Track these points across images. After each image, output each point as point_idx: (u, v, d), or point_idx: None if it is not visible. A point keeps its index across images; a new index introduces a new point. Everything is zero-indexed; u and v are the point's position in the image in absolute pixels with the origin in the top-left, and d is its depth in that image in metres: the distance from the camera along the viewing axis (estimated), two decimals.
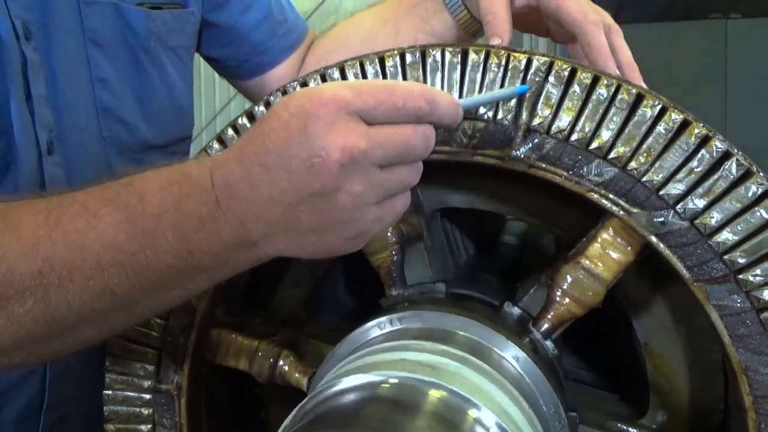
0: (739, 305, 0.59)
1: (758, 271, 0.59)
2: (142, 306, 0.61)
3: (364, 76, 0.68)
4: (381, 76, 0.67)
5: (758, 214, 0.58)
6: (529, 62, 0.64)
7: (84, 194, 0.60)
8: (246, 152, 0.56)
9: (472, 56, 0.65)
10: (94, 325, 0.61)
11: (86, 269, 0.57)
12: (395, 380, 0.55)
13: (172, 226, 0.57)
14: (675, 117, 0.60)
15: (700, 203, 0.60)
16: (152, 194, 0.58)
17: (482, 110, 0.65)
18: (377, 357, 0.61)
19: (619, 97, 0.62)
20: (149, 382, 0.75)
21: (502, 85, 0.64)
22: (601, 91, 0.62)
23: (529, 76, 0.64)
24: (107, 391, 0.75)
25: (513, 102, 0.64)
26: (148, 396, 0.75)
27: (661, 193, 0.61)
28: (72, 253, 0.57)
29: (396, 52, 0.67)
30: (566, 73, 0.63)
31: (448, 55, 0.66)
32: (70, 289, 0.57)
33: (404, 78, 0.67)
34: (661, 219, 0.61)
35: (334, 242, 0.58)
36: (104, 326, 0.62)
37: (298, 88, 0.69)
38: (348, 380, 0.56)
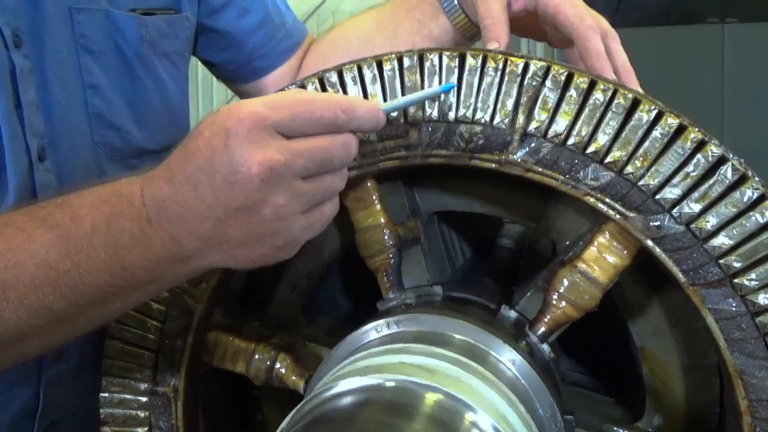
0: (734, 309, 0.60)
1: (753, 276, 0.59)
2: (81, 320, 0.63)
3: (362, 80, 0.68)
4: (379, 80, 0.68)
5: (753, 218, 0.59)
6: (526, 66, 0.64)
7: (19, 214, 0.62)
8: (173, 170, 0.58)
9: (470, 60, 0.65)
10: (32, 341, 0.63)
11: (20, 288, 0.59)
12: (392, 383, 0.55)
13: (104, 244, 0.59)
14: (671, 122, 0.61)
15: (696, 207, 0.60)
16: (85, 213, 0.60)
17: (479, 114, 0.65)
18: (374, 360, 0.61)
19: (615, 101, 0.62)
20: (146, 385, 0.75)
21: (499, 88, 0.65)
22: (598, 96, 0.62)
23: (525, 80, 0.64)
24: (103, 394, 0.75)
25: (510, 106, 0.64)
26: (144, 398, 0.75)
27: (657, 197, 0.61)
28: (5, 272, 0.59)
29: (394, 55, 0.67)
30: (563, 78, 0.63)
31: (445, 59, 0.66)
32: (5, 308, 0.59)
33: (402, 82, 0.67)
34: (657, 223, 0.61)
35: (264, 252, 0.60)
36: (43, 341, 0.64)
37: None
38: (345, 383, 0.56)
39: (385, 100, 0.68)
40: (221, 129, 0.57)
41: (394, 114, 0.67)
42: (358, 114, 0.60)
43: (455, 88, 0.65)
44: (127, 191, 0.60)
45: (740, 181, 0.59)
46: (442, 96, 0.66)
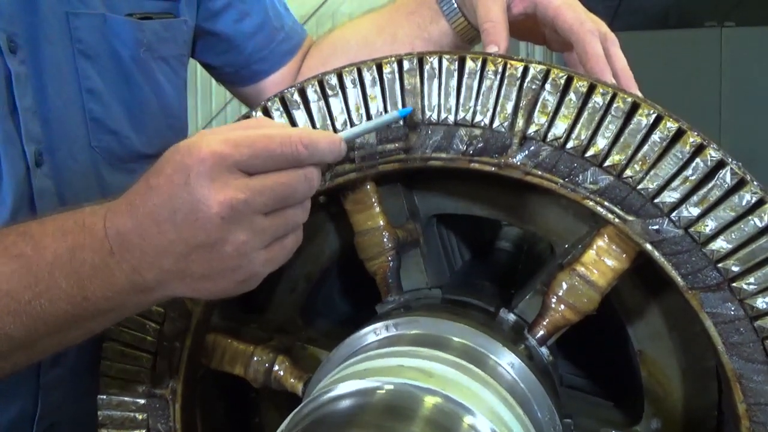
0: (732, 313, 0.60)
1: (752, 280, 0.59)
2: (41, 346, 0.64)
3: (362, 83, 0.68)
4: (378, 83, 0.68)
5: (752, 222, 0.59)
6: (525, 70, 0.64)
7: None
8: (136, 204, 0.59)
9: (469, 63, 0.66)
10: None
11: None
12: (391, 386, 0.55)
13: (66, 274, 0.60)
14: (670, 126, 0.61)
15: (695, 211, 0.60)
16: (47, 243, 0.61)
17: (478, 117, 0.65)
18: (373, 363, 0.61)
19: (614, 105, 0.62)
20: (144, 387, 0.75)
21: (499, 92, 0.65)
22: (597, 100, 0.62)
23: (525, 84, 0.64)
24: (102, 396, 0.75)
25: (509, 109, 0.65)
26: (142, 401, 0.75)
27: (656, 201, 0.61)
28: None
29: (393, 58, 0.67)
30: (562, 81, 0.63)
31: (445, 63, 0.66)
32: None
33: (401, 85, 0.67)
34: (656, 227, 0.61)
35: (226, 286, 0.61)
36: (4, 366, 0.64)
37: (295, 94, 0.70)
38: (344, 386, 0.56)
39: (384, 103, 0.68)
40: (182, 167, 0.57)
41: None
42: (320, 147, 0.60)
43: (456, 90, 0.65)
44: (89, 222, 0.61)
45: (739, 185, 0.59)
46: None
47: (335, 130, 0.69)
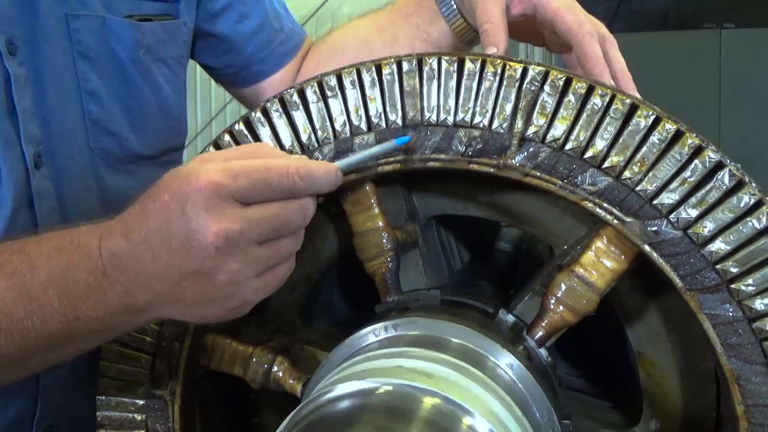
0: (731, 314, 0.60)
1: (750, 281, 0.59)
2: (32, 363, 0.65)
3: (361, 84, 0.68)
4: (378, 84, 0.68)
5: (750, 224, 0.59)
6: (524, 71, 0.64)
7: None
8: (131, 228, 0.60)
9: (469, 65, 0.66)
10: None
11: None
12: (390, 387, 0.55)
13: (58, 294, 0.61)
14: (668, 127, 0.61)
15: (693, 213, 0.60)
16: (42, 262, 0.61)
17: (477, 119, 0.65)
18: (372, 364, 0.61)
19: (613, 106, 0.62)
20: (143, 388, 0.75)
21: (498, 93, 0.65)
22: (596, 101, 0.62)
23: (524, 85, 0.64)
24: (101, 396, 0.75)
25: (509, 111, 0.65)
26: (141, 401, 0.75)
27: (654, 202, 0.61)
28: None
29: (393, 60, 0.67)
30: (561, 83, 0.63)
31: (444, 64, 0.66)
32: None
33: (401, 86, 0.67)
34: (655, 228, 0.61)
35: (218, 312, 0.62)
36: None
37: (295, 95, 0.70)
38: (343, 387, 0.56)
39: (383, 104, 0.68)
40: (180, 195, 0.58)
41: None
42: (316, 179, 0.61)
43: (455, 91, 0.65)
44: (85, 242, 0.61)
45: (737, 186, 0.59)
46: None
47: (335, 132, 0.69)
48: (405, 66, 0.67)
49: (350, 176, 0.70)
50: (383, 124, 0.68)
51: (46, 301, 0.61)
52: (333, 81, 0.69)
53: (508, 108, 0.65)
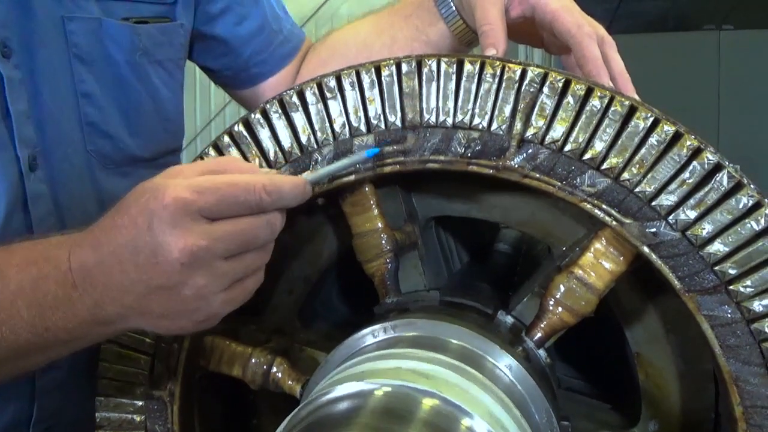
0: (729, 316, 0.60)
1: (748, 282, 0.59)
2: (2, 372, 0.65)
3: (360, 85, 0.68)
4: (377, 85, 0.68)
5: (749, 225, 0.59)
6: (523, 73, 0.64)
7: None
8: (100, 241, 0.61)
9: (468, 66, 0.66)
10: None
11: None
12: (388, 388, 0.55)
13: (28, 305, 0.61)
14: (667, 129, 0.61)
15: (692, 214, 0.60)
16: (12, 273, 0.62)
17: (476, 120, 0.65)
18: (371, 365, 0.61)
19: (612, 108, 0.62)
20: (142, 389, 0.75)
21: (497, 94, 0.65)
22: (595, 103, 0.63)
23: (523, 87, 0.64)
24: (99, 397, 0.75)
25: (508, 112, 0.65)
26: (140, 402, 0.75)
27: (653, 203, 0.61)
28: None
29: (392, 61, 0.68)
30: (560, 85, 0.63)
31: (443, 65, 0.66)
32: None
33: (400, 88, 0.67)
34: (653, 230, 0.61)
35: (185, 325, 0.63)
36: None
37: (294, 96, 0.70)
38: (341, 388, 0.56)
39: (383, 105, 0.68)
40: (146, 211, 0.58)
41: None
42: (283, 194, 0.62)
43: (454, 93, 0.65)
44: (54, 255, 0.62)
45: (736, 188, 0.59)
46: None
47: (334, 133, 0.69)
48: (404, 67, 0.67)
49: (349, 177, 0.70)
50: (382, 126, 0.68)
51: (15, 312, 0.62)
52: (332, 82, 0.69)
53: (507, 109, 0.65)
